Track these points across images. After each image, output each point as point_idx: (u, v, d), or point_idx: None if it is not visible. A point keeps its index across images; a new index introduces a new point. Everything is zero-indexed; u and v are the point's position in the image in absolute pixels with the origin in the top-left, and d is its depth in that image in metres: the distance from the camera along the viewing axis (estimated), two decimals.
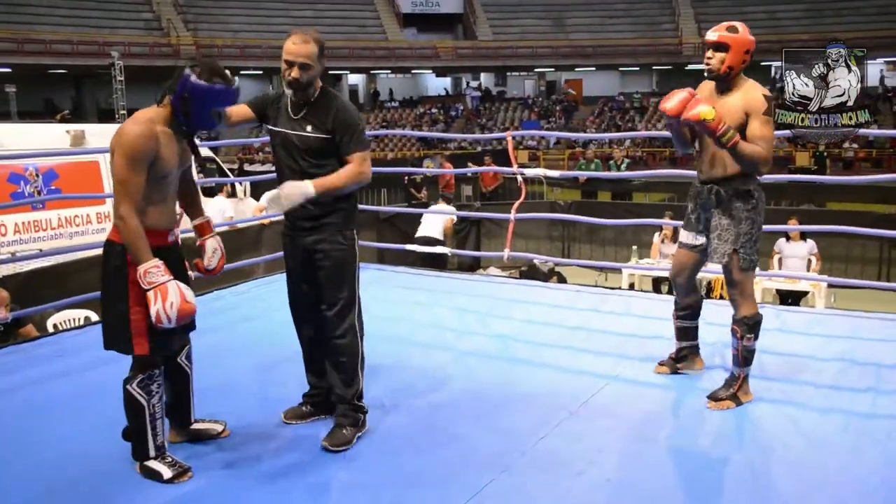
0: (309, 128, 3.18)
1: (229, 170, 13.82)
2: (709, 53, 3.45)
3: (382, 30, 36.10)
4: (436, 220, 9.59)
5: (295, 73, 3.12)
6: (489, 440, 3.25)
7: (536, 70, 38.11)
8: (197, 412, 3.28)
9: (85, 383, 3.96)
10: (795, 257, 8.38)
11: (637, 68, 37.12)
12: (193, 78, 2.81)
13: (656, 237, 9.11)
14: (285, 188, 3.06)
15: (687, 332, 4.02)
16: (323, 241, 3.21)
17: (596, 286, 6.82)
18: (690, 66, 34.49)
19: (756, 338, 3.61)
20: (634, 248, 9.18)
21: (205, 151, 11.06)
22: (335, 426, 3.25)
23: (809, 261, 8.46)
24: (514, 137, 6.65)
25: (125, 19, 31.54)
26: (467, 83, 40.82)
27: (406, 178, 13.75)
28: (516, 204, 6.37)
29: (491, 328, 4.90)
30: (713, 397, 3.64)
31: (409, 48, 35.65)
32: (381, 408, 3.61)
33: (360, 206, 7.20)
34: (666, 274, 8.54)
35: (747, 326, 3.58)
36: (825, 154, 22.26)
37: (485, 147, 18.80)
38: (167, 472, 2.90)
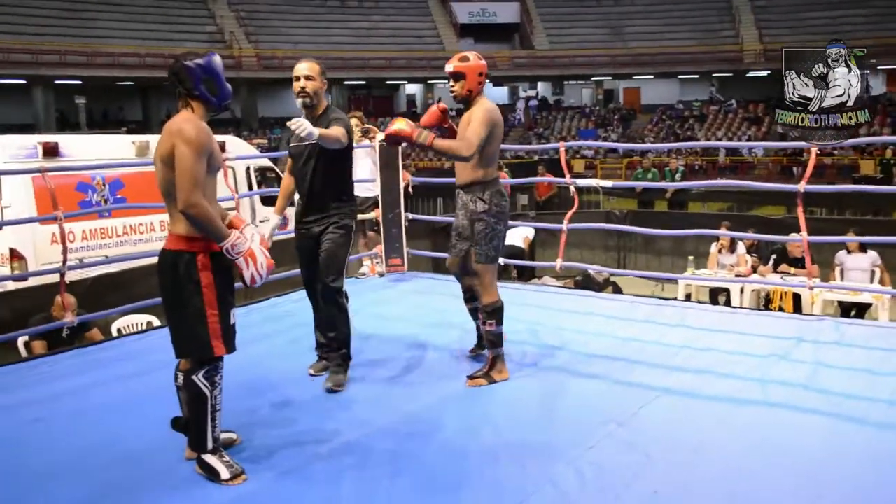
0: None
1: None
2: (451, 83, 4.05)
3: (440, 40, 36.33)
4: (516, 233, 9.77)
5: (302, 83, 3.97)
6: (535, 450, 3.26)
7: (594, 79, 37.86)
8: (247, 410, 3.35)
9: (146, 386, 4.08)
10: (857, 269, 8.16)
11: (696, 76, 36.60)
12: (201, 61, 3.00)
13: (713, 247, 8.97)
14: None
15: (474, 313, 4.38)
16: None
17: (652, 297, 6.75)
18: (751, 74, 33.90)
19: (498, 323, 4.07)
20: (691, 258, 9.06)
21: (264, 161, 11.31)
22: (333, 372, 4.05)
23: (873, 272, 8.23)
24: (568, 147, 6.64)
25: (190, 32, 32.36)
26: (524, 92, 40.76)
27: None
28: (569, 213, 6.35)
29: (540, 338, 4.90)
30: (470, 376, 4.08)
31: None
32: (429, 412, 3.66)
33: (415, 216, 7.30)
34: (724, 285, 8.45)
35: (487, 313, 4.05)
36: (892, 162, 21.56)
37: (541, 156, 18.74)
38: (225, 473, 2.98)
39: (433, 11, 37.31)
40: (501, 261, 7.79)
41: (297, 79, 3.98)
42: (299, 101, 4.00)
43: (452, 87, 4.04)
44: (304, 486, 2.97)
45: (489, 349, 4.12)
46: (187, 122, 2.95)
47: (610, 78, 37.58)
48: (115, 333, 5.91)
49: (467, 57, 4.06)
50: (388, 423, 3.55)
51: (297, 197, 4.24)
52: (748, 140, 28.74)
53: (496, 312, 4.05)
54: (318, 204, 4.05)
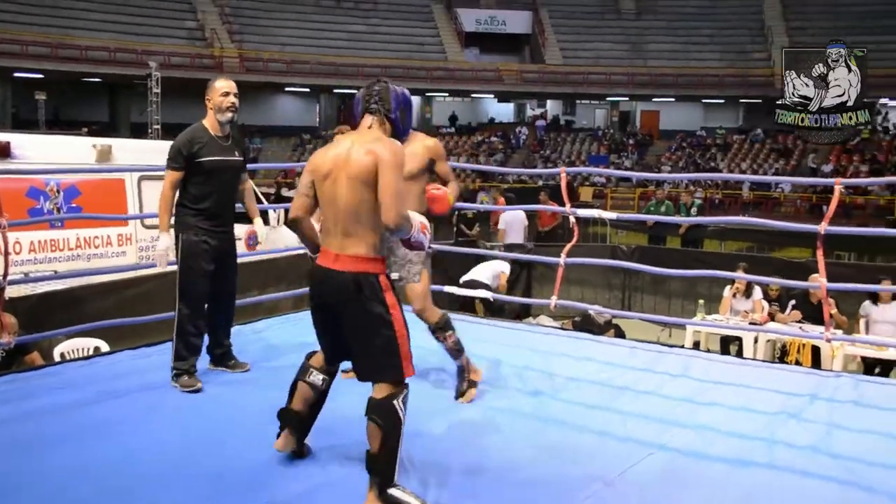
0: (236, 153, 4.80)
1: (264, 195, 14.07)
2: None
3: (442, 49, 36.62)
4: (488, 267, 9.72)
5: (233, 98, 4.72)
6: None
7: (609, 99, 38.16)
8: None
9: (86, 420, 4.03)
10: (885, 322, 8.21)
11: (722, 101, 36.92)
12: (400, 90, 3.40)
13: (727, 291, 9.02)
14: None
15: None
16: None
17: (657, 342, 6.78)
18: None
19: (454, 332, 4.59)
20: (702, 302, 9.11)
21: None
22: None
23: None
24: (575, 174, 6.69)
25: (167, 27, 32.56)
26: (532, 110, 41.05)
27: (456, 213, 13.72)
28: (567, 247, 6.39)
29: (529, 384, 4.91)
30: (458, 395, 4.59)
31: (470, 70, 36.07)
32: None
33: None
34: (737, 333, 8.48)
35: (441, 329, 4.58)
36: None
37: (546, 181, 18.84)
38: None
39: (437, 17, 37.64)
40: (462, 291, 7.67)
41: (228, 94, 4.72)
42: (229, 114, 4.74)
43: None
44: None
45: (458, 359, 4.62)
46: (391, 142, 3.24)
47: (627, 99, 37.87)
48: (57, 358, 5.90)
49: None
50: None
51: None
52: (775, 174, 28.89)
53: (448, 324, 4.62)
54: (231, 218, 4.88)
